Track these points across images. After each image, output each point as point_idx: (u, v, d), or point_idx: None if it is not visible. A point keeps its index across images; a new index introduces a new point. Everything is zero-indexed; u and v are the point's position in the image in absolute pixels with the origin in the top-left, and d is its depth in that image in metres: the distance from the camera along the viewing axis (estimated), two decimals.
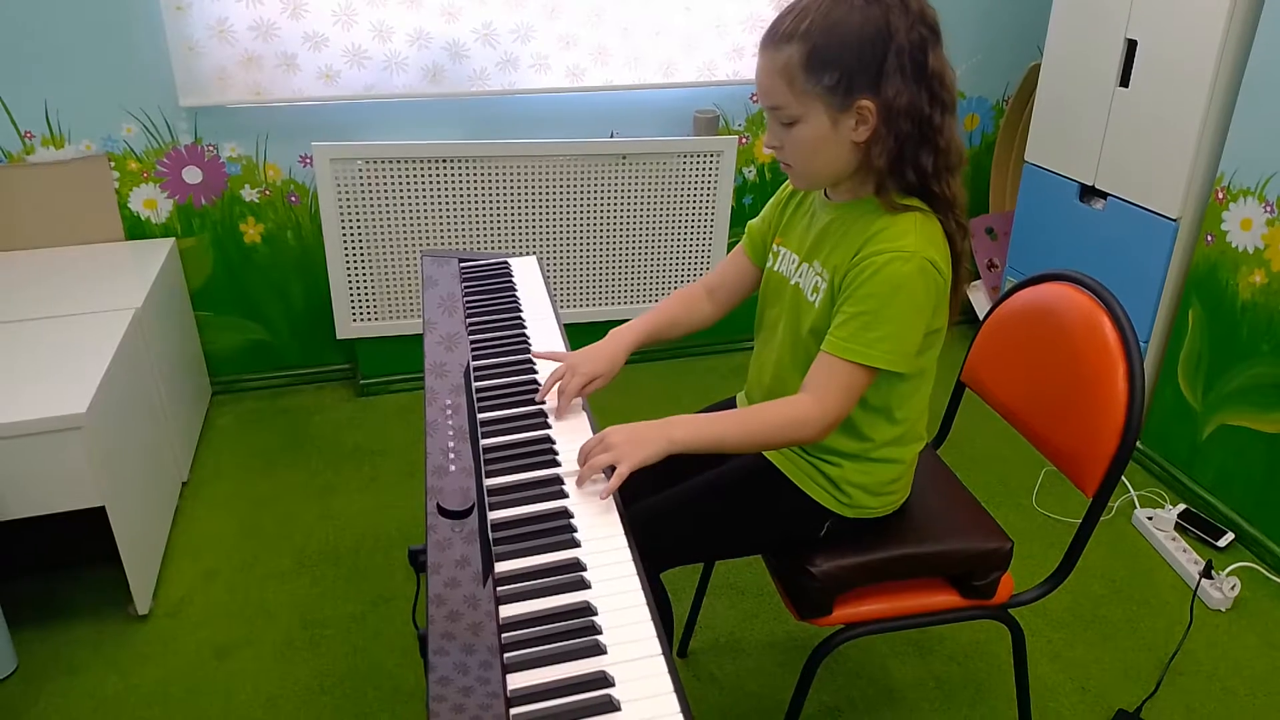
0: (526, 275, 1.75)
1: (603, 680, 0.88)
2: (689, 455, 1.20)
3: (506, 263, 1.79)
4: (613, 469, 1.14)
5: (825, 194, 1.30)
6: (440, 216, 2.61)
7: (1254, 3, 2.04)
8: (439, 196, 2.58)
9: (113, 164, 2.46)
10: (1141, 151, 2.31)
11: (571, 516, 1.10)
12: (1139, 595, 2.03)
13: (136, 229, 2.55)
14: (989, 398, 1.57)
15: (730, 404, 1.52)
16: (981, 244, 3.19)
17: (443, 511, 1.09)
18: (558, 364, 1.35)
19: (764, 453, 1.35)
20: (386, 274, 2.65)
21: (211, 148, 2.52)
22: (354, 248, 2.59)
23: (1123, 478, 2.33)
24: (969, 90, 3.02)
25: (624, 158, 2.65)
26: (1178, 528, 2.17)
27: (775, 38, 1.15)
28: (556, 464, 1.21)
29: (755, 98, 2.80)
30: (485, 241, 2.67)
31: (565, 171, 2.63)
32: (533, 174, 2.61)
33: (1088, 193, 2.52)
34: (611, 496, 1.13)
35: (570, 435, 1.26)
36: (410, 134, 2.60)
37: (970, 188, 3.17)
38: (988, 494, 2.33)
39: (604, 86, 2.63)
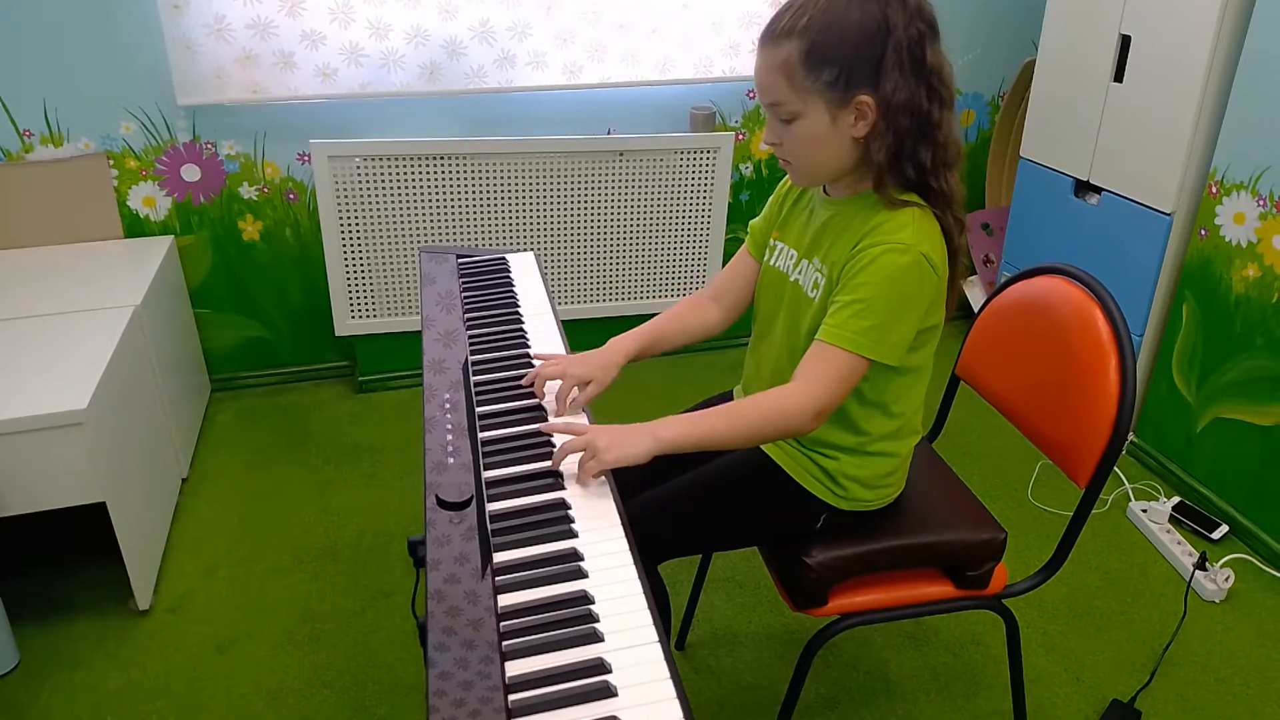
0: (524, 271, 1.76)
1: (600, 667, 0.89)
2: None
3: (504, 259, 1.80)
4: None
5: (824, 190, 1.31)
6: (438, 214, 2.62)
7: None
8: (437, 194, 2.59)
9: (111, 162, 2.46)
10: (1136, 146, 2.32)
11: (569, 508, 1.11)
12: (1133, 587, 2.05)
13: (135, 227, 2.56)
14: (983, 391, 1.59)
15: (727, 398, 1.53)
16: (977, 239, 3.20)
17: (442, 503, 1.10)
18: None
19: (761, 446, 1.36)
20: (384, 271, 2.66)
21: (210, 146, 2.53)
22: (352, 245, 2.60)
23: (1117, 471, 2.37)
24: (965, 86, 3.03)
25: (621, 154, 2.66)
26: (1172, 520, 2.19)
27: (774, 34, 1.16)
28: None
29: (753, 94, 2.82)
30: (483, 238, 2.68)
31: (562, 168, 2.64)
32: (530, 171, 2.62)
33: (1082, 188, 2.53)
34: (609, 488, 1.14)
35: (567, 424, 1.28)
36: (408, 131, 2.61)
37: (966, 183, 3.15)
38: (983, 487, 2.35)
39: (601, 84, 2.64)
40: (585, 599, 0.97)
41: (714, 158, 2.74)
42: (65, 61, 2.32)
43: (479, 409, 1.31)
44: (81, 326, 2.03)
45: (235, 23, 2.35)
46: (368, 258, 2.63)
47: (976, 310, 1.61)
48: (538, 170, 2.63)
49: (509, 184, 2.63)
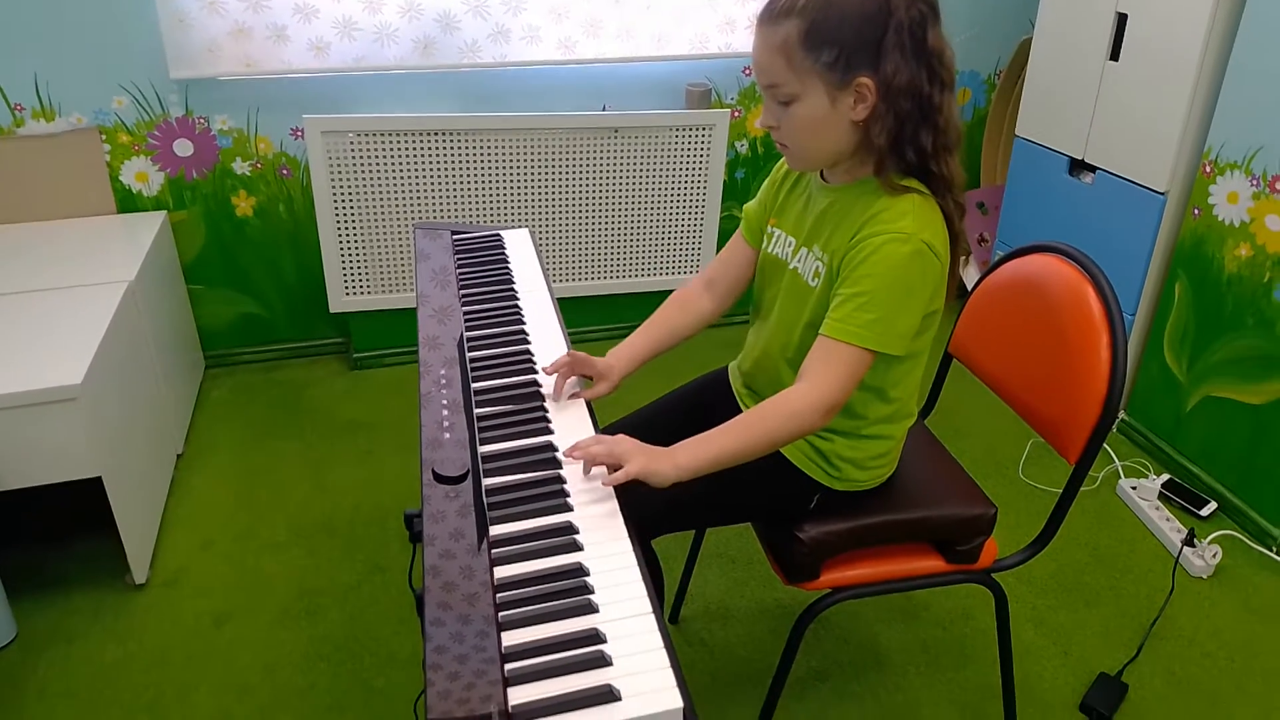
0: (519, 248, 1.76)
1: (595, 637, 0.90)
2: (680, 424, 1.22)
3: (499, 235, 1.80)
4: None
5: (822, 176, 1.30)
6: (432, 190, 2.61)
7: None
8: (431, 170, 2.59)
9: (104, 137, 2.45)
10: (1131, 125, 2.32)
11: (564, 483, 1.13)
12: (1122, 563, 2.07)
13: (128, 202, 2.55)
14: (976, 369, 1.60)
15: (722, 374, 1.53)
16: (972, 219, 3.20)
17: (438, 478, 1.11)
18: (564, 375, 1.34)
19: None
20: (379, 248, 2.65)
21: (202, 120, 2.51)
22: (346, 221, 2.60)
23: (1108, 448, 2.39)
24: (961, 65, 2.98)
25: (615, 131, 2.65)
26: (1161, 497, 2.21)
27: (773, 13, 1.14)
28: (549, 431, 1.23)
29: (749, 70, 2.81)
30: (477, 215, 2.67)
31: (557, 145, 2.64)
32: (524, 147, 2.61)
33: (1077, 166, 2.54)
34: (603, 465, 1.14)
35: (563, 405, 1.29)
36: (401, 106, 2.60)
37: (962, 163, 3.17)
38: (975, 464, 2.35)
39: (596, 59, 2.63)
40: (580, 571, 0.99)
41: (709, 135, 2.74)
42: (57, 35, 2.30)
43: (474, 384, 1.32)
44: (75, 302, 2.02)
45: None
46: (362, 234, 2.62)
47: (970, 289, 1.61)
48: (532, 146, 2.62)
49: (503, 160, 2.62)
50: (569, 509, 1.08)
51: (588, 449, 1.14)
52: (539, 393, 1.31)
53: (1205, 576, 2.02)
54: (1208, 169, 2.17)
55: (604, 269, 2.87)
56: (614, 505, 1.09)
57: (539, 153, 2.64)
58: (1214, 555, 2.03)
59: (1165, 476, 2.27)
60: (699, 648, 1.84)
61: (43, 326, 1.92)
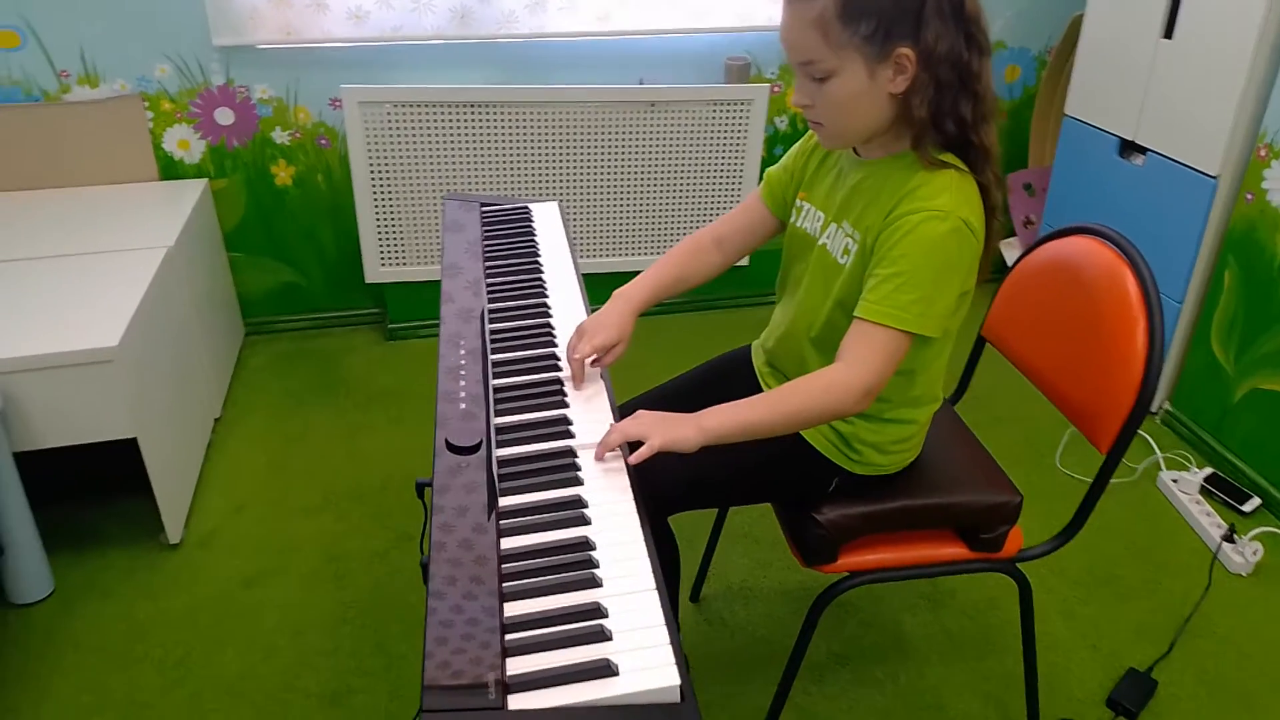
0: (547, 221, 1.75)
1: (596, 611, 0.90)
2: (699, 401, 1.19)
3: (527, 208, 1.79)
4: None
5: (854, 151, 1.26)
6: (467, 162, 2.61)
7: None
8: (466, 141, 2.58)
9: (146, 104, 2.48)
10: (1183, 106, 2.24)
11: (576, 456, 1.12)
12: (1158, 557, 2.02)
13: (170, 169, 2.59)
14: (1009, 352, 1.56)
15: (744, 352, 1.51)
16: (1019, 200, 3.13)
17: (451, 447, 1.11)
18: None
19: None
20: (414, 219, 2.66)
21: (243, 89, 2.54)
22: (382, 192, 2.61)
23: (1149, 439, 2.33)
24: (1011, 40, 2.94)
25: (652, 105, 2.63)
26: (1203, 491, 2.15)
27: None
28: (564, 405, 1.22)
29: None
30: (512, 187, 2.67)
31: (593, 118, 2.62)
32: (560, 120, 2.60)
33: (1127, 147, 2.46)
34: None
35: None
36: (438, 77, 2.60)
37: (1010, 142, 3.10)
38: (1011, 452, 2.32)
39: (633, 31, 2.60)
40: (586, 545, 0.98)
41: (748, 110, 2.70)
42: (102, 2, 2.33)
43: (493, 356, 1.32)
44: (115, 266, 2.06)
45: None
46: (398, 205, 2.63)
47: (1010, 266, 1.57)
48: (568, 119, 2.60)
49: (539, 133, 2.61)
50: (579, 483, 1.08)
51: (610, 445, 1.12)
52: (557, 365, 1.30)
53: (1245, 574, 1.96)
54: (1262, 153, 2.08)
55: (637, 244, 2.85)
56: (625, 481, 1.09)
57: (575, 126, 2.62)
58: (1255, 552, 1.97)
59: (1208, 470, 2.20)
60: (718, 626, 1.84)
61: (82, 289, 1.96)
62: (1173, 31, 2.25)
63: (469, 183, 2.64)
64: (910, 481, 1.37)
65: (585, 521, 1.02)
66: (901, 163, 1.18)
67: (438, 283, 1.49)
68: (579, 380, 1.27)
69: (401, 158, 2.57)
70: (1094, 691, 1.71)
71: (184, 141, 2.57)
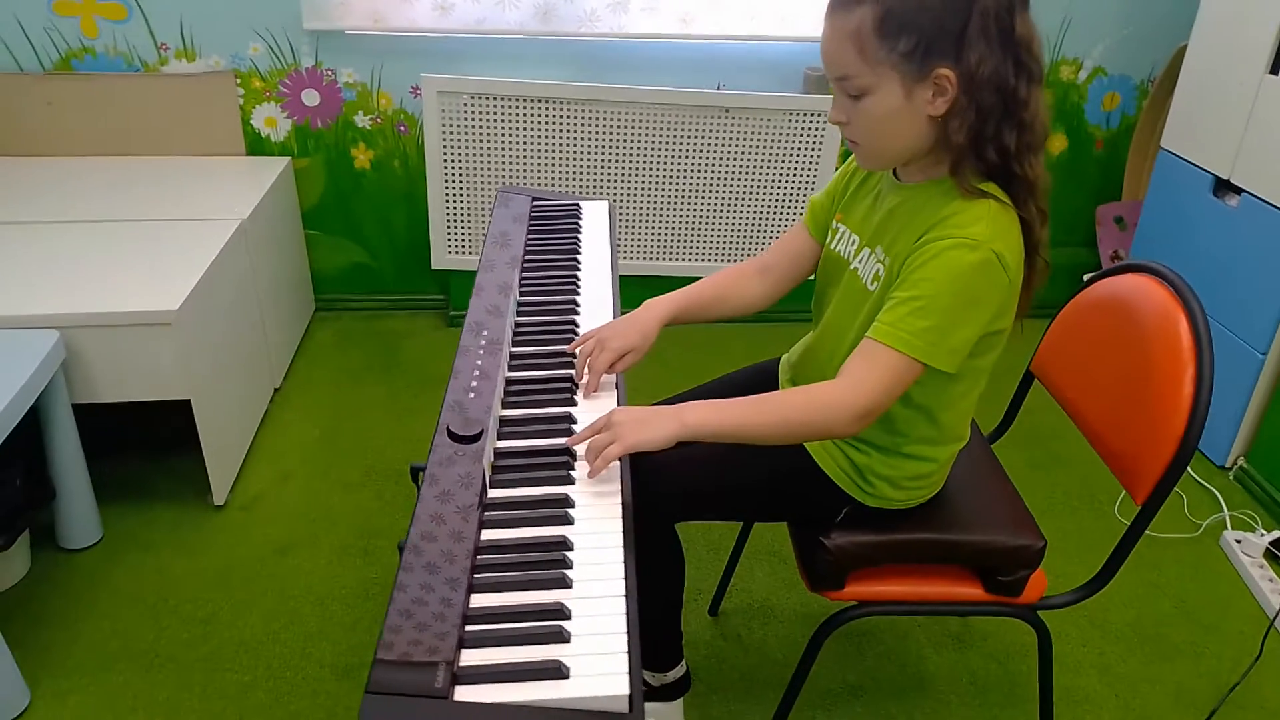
0: (595, 218, 1.76)
1: (559, 612, 0.89)
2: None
3: (578, 205, 1.79)
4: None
5: (894, 174, 1.22)
6: (538, 156, 2.63)
7: None
8: (539, 136, 2.60)
9: (239, 81, 2.58)
10: None
11: (572, 455, 1.11)
12: (1210, 620, 1.90)
13: (257, 145, 2.68)
14: (1054, 390, 1.50)
15: (772, 365, 1.49)
16: (1109, 233, 3.00)
17: (451, 435, 1.12)
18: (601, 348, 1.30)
19: None
20: (482, 209, 2.70)
21: (330, 72, 2.61)
22: (454, 181, 2.65)
23: (1217, 495, 2.20)
24: (1111, 68, 2.81)
25: (727, 110, 2.60)
26: (1268, 555, 2.01)
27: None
28: (572, 403, 1.22)
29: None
30: (578, 184, 2.68)
31: (667, 120, 2.61)
32: (634, 120, 2.60)
33: (1221, 186, 2.32)
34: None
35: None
36: (517, 71, 2.62)
37: (1105, 172, 2.98)
38: (1068, 497, 2.22)
39: (714, 36, 2.59)
40: (564, 544, 0.98)
41: (824, 122, 2.65)
42: None
43: (513, 349, 1.32)
44: (188, 234, 2.14)
45: None
46: (467, 194, 2.67)
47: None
48: (641, 120, 2.60)
49: (612, 132, 2.61)
50: (570, 481, 1.07)
51: (593, 447, 1.10)
52: (572, 363, 1.30)
53: None
54: None
55: (699, 251, 2.83)
56: (616, 484, 1.07)
57: (648, 127, 2.62)
58: None
59: (1276, 533, 2.06)
60: (734, 643, 1.80)
61: (154, 253, 2.05)
62: (1279, 68, 2.12)
63: (537, 177, 2.66)
64: (927, 514, 1.32)
65: (568, 521, 1.01)
66: (939, 189, 1.13)
67: None
68: (592, 388, 1.25)
69: (474, 148, 2.61)
70: None
71: (271, 119, 2.66)
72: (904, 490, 1.28)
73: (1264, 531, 2.07)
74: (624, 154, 2.65)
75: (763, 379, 1.46)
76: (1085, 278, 1.51)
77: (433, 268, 2.79)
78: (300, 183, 2.73)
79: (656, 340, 1.33)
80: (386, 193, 2.79)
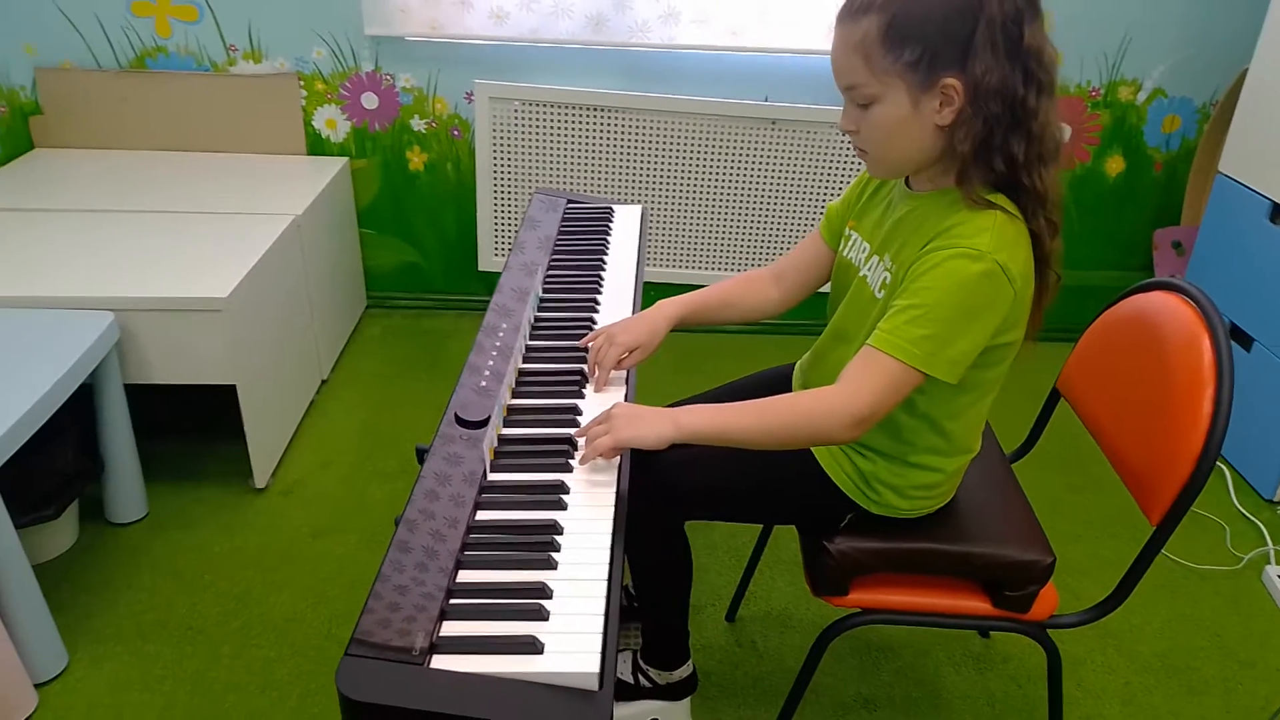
0: (626, 222, 1.78)
1: (540, 591, 0.91)
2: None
3: (610, 208, 1.83)
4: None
5: (907, 183, 1.23)
6: (584, 162, 2.68)
7: None
8: (586, 143, 2.65)
9: (302, 83, 2.68)
10: None
11: (574, 444, 1.14)
12: (1245, 655, 1.84)
13: (317, 146, 2.78)
14: (1079, 407, 1.48)
15: (787, 370, 1.49)
16: (1166, 257, 2.93)
17: (460, 421, 1.15)
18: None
19: None
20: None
21: (389, 77, 2.70)
22: (502, 185, 2.71)
23: (1262, 528, 2.13)
24: (1171, 89, 2.75)
25: (773, 122, 2.62)
26: None
27: (852, 9, 1.08)
28: (580, 395, 1.24)
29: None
30: (621, 191, 2.72)
31: (713, 130, 2.63)
32: (680, 130, 2.63)
33: (1279, 213, 2.26)
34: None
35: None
36: (568, 79, 2.67)
37: (1164, 195, 2.91)
38: (1106, 522, 2.17)
39: (763, 48, 2.60)
40: (554, 528, 1.00)
41: None
42: None
43: (530, 342, 1.35)
44: (244, 227, 2.23)
45: None
46: (515, 199, 2.73)
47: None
48: (688, 130, 2.63)
49: (657, 140, 2.65)
50: (568, 469, 1.10)
51: (593, 444, 1.12)
52: (585, 359, 1.32)
53: None
54: None
55: (739, 261, 2.84)
56: (612, 475, 1.10)
57: (695, 136, 2.64)
58: None
59: None
60: (749, 650, 1.80)
61: (209, 243, 2.14)
62: None
63: (585, 183, 2.71)
64: (934, 524, 1.32)
65: (560, 506, 1.04)
66: (947, 199, 1.13)
67: None
68: (601, 383, 1.28)
69: (522, 153, 2.66)
70: None
71: (331, 121, 2.75)
72: (910, 499, 1.28)
73: None
74: (670, 163, 2.68)
75: (778, 382, 1.47)
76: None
77: (479, 269, 2.85)
78: (357, 183, 2.82)
79: (668, 344, 1.35)
80: (438, 195, 2.86)
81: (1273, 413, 2.23)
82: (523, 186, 2.71)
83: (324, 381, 2.60)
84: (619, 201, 1.92)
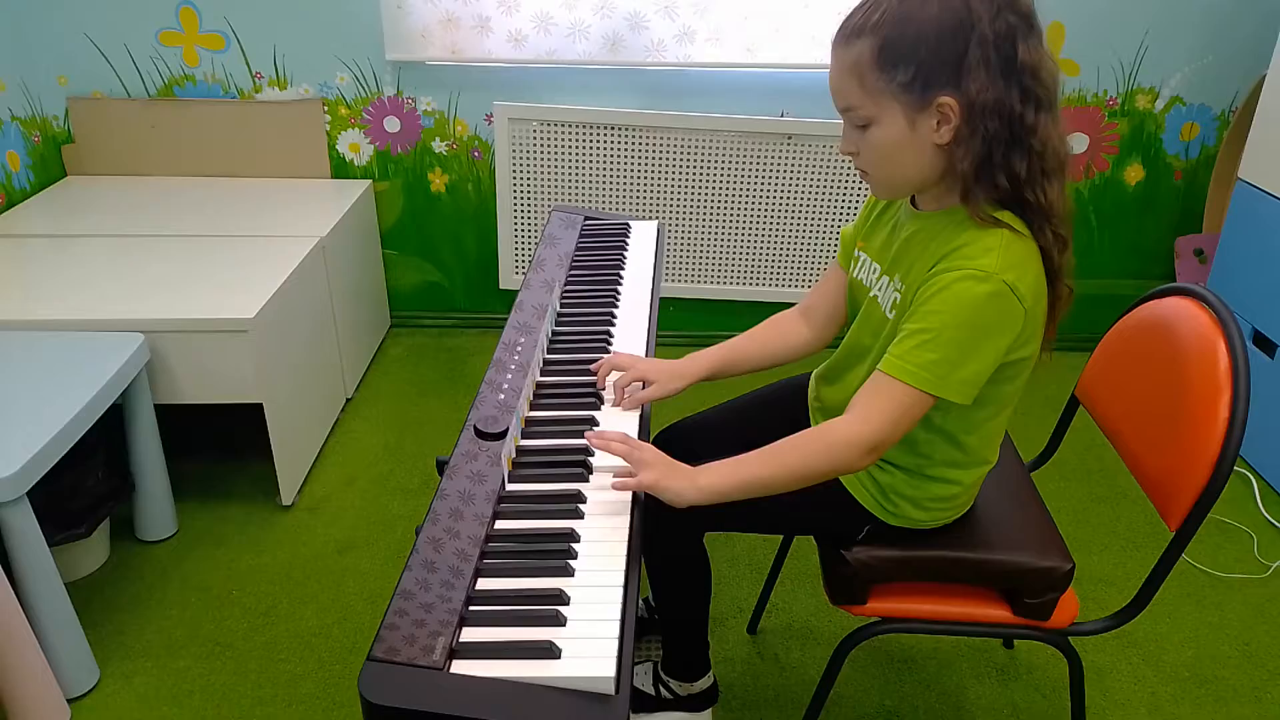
0: (643, 238, 1.81)
1: (558, 597, 0.93)
2: (740, 429, 1.19)
3: (627, 224, 1.85)
4: None
5: (913, 202, 1.23)
6: (603, 181, 2.71)
7: None
8: (605, 162, 2.68)
9: (326, 108, 2.74)
10: None
11: (589, 455, 1.16)
12: (1273, 664, 1.82)
13: (341, 169, 2.83)
14: (1096, 414, 1.48)
15: (803, 380, 1.50)
16: (1188, 265, 2.91)
17: (478, 433, 1.18)
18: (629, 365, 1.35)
19: None
20: None
21: (410, 100, 2.75)
22: (522, 204, 2.75)
23: None
24: (1189, 97, 2.75)
25: (790, 138, 2.64)
26: None
27: (846, 33, 1.09)
28: (596, 408, 1.26)
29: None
30: (642, 209, 2.74)
31: (730, 147, 2.66)
32: (698, 147, 2.65)
33: None
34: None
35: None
36: (586, 99, 2.71)
37: (1184, 203, 2.90)
38: (1132, 533, 2.16)
39: (779, 65, 2.63)
40: (570, 536, 1.02)
41: None
42: (295, 12, 2.60)
43: (547, 355, 1.38)
44: (270, 249, 2.28)
45: None
46: (535, 218, 2.77)
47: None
48: (705, 147, 2.65)
49: (675, 158, 2.67)
50: (585, 480, 1.11)
51: (609, 439, 1.15)
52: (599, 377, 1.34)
53: None
54: None
55: (757, 276, 2.85)
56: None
57: (712, 153, 2.67)
58: None
59: None
60: (770, 663, 1.81)
61: (236, 265, 2.18)
62: None
63: (603, 201, 2.74)
64: (951, 532, 1.32)
65: (578, 515, 1.05)
66: (953, 218, 1.14)
67: None
68: (615, 403, 1.30)
69: (542, 173, 2.70)
70: None
71: (355, 145, 2.80)
72: (928, 511, 1.28)
73: None
74: (687, 179, 2.71)
75: (792, 392, 1.48)
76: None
77: (500, 287, 2.89)
78: (380, 205, 2.87)
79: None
80: (459, 215, 2.91)
81: None
82: (542, 205, 2.75)
83: (349, 400, 2.64)
84: (636, 217, 1.94)
